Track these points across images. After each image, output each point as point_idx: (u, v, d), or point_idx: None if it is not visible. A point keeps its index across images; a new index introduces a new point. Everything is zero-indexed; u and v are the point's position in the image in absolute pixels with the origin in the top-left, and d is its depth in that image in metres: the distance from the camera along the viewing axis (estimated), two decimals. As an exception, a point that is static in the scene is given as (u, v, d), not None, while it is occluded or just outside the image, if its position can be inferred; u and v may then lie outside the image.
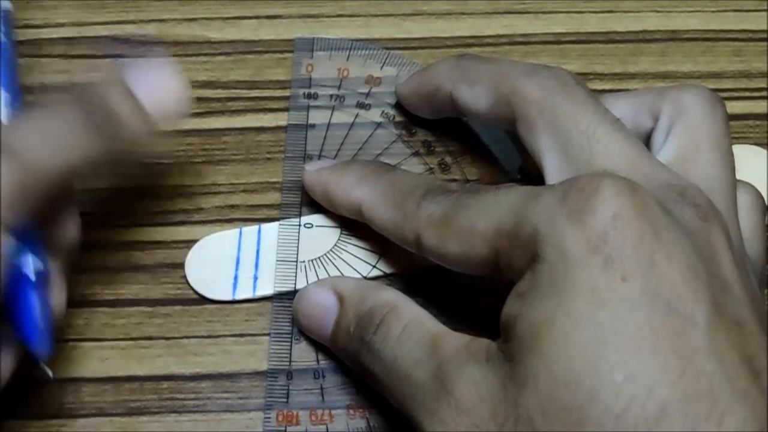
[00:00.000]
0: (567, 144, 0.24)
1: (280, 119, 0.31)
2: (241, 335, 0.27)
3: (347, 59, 0.33)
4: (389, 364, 0.22)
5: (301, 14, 0.34)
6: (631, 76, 0.33)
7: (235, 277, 0.28)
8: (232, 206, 0.30)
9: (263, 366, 0.27)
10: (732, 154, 0.24)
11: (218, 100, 0.32)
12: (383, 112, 0.32)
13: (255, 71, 0.33)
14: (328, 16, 0.34)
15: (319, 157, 0.30)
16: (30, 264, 0.22)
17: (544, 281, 0.19)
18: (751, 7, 0.35)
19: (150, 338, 0.27)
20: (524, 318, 0.19)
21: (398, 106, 0.32)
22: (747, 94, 0.33)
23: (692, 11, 0.35)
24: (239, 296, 0.28)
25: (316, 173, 0.28)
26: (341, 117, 0.31)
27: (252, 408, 0.26)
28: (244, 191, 0.30)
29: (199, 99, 0.32)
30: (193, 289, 0.28)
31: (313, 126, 0.31)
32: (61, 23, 0.33)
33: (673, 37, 0.34)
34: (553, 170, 0.24)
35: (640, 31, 0.34)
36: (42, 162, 0.22)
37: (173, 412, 0.26)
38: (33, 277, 0.22)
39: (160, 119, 0.25)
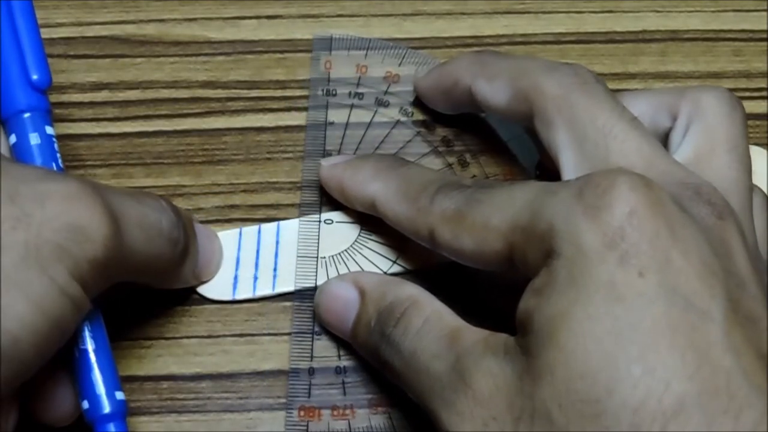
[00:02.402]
0: (584, 140, 0.24)
1: (280, 119, 0.31)
2: (241, 335, 0.27)
3: (365, 57, 0.33)
4: (408, 357, 0.22)
5: (301, 14, 0.34)
6: (631, 76, 0.33)
7: (235, 277, 0.28)
8: (232, 206, 0.30)
9: (263, 366, 0.27)
10: (749, 157, 0.24)
11: (218, 100, 0.32)
12: (402, 109, 0.32)
13: (255, 71, 0.33)
14: (328, 16, 0.34)
15: (339, 154, 0.30)
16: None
17: (561, 277, 0.19)
18: (751, 7, 0.35)
19: (150, 338, 0.27)
20: (541, 312, 0.19)
21: (417, 103, 0.32)
22: (747, 94, 0.33)
23: (692, 11, 0.35)
24: (239, 296, 0.28)
25: (331, 168, 0.28)
26: (360, 114, 0.31)
27: (252, 408, 0.26)
28: (244, 191, 0.30)
29: (199, 99, 0.32)
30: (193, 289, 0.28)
31: (332, 123, 0.31)
32: (61, 23, 0.33)
33: (673, 37, 0.34)
34: (569, 166, 0.24)
35: (640, 31, 0.34)
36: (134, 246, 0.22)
37: (173, 412, 0.26)
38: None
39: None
